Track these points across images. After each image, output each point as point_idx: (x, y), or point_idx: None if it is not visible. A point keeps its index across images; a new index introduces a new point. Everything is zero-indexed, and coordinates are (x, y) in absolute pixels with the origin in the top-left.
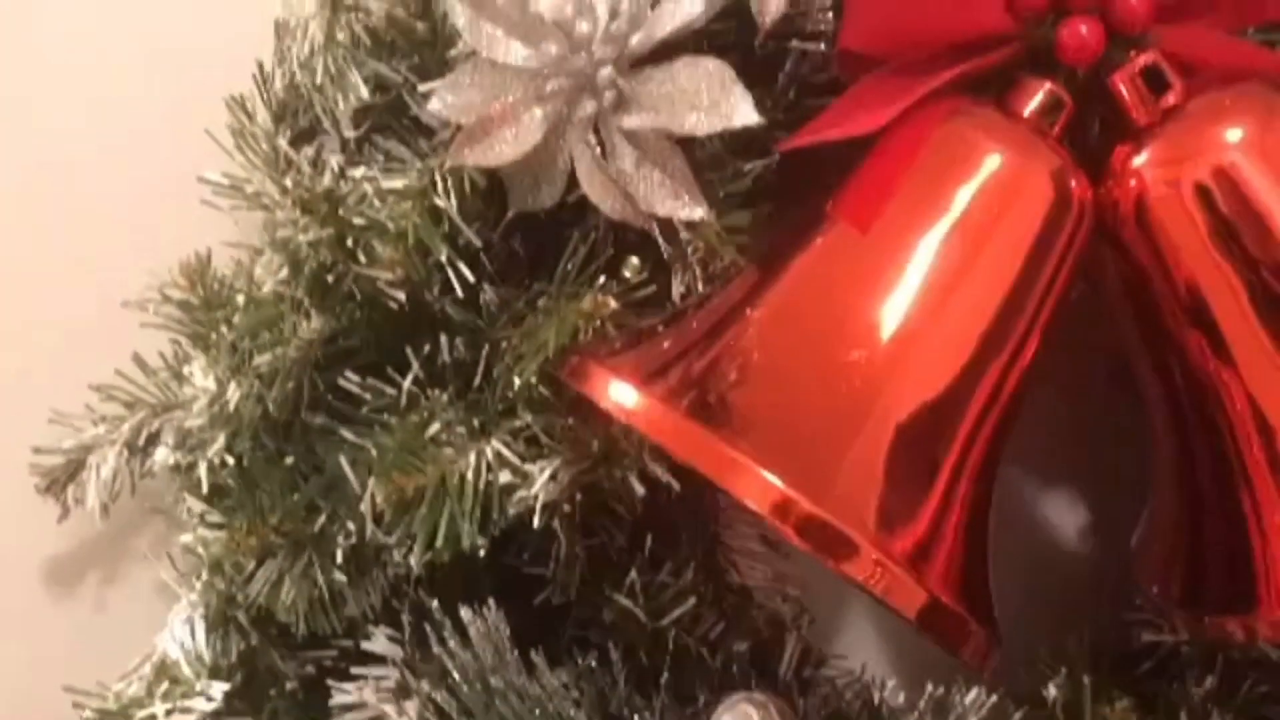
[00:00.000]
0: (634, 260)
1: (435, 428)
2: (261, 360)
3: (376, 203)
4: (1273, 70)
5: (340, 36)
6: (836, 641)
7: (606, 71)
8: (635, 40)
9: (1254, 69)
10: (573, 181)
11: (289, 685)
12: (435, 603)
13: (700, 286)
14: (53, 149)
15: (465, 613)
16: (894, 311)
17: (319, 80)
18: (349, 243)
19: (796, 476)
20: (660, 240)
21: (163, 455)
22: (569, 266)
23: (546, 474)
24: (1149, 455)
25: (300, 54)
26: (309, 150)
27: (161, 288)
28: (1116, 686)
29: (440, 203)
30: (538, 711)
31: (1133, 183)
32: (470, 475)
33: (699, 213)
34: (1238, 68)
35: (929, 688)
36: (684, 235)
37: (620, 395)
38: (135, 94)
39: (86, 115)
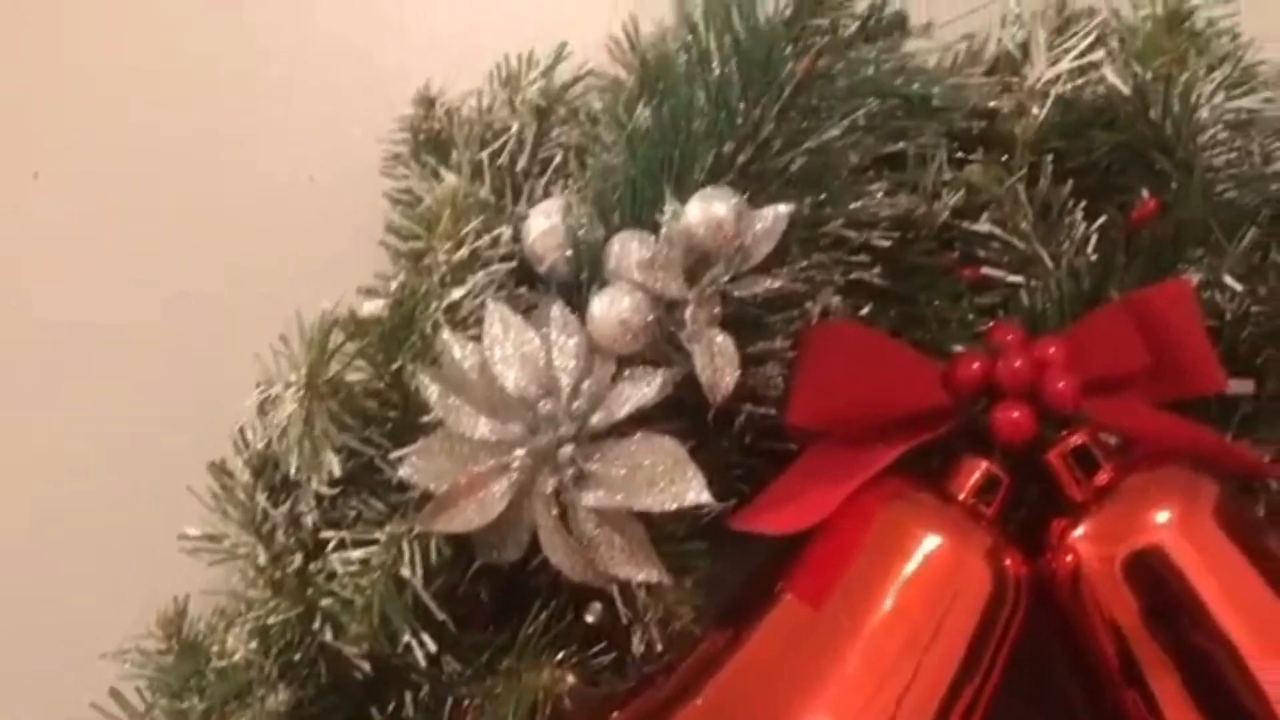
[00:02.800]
0: (597, 605)
1: None
2: None
3: (345, 579)
4: (1194, 441)
5: (317, 416)
6: None
7: (567, 450)
8: (595, 419)
9: (1178, 440)
10: (536, 540)
11: None
12: None
13: (659, 646)
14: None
15: None
16: (841, 704)
17: (295, 463)
18: (316, 620)
19: None
20: (619, 603)
21: None
22: (530, 630)
23: None
24: None
25: (280, 421)
26: (285, 508)
27: (138, 641)
28: None
29: (405, 573)
30: None
31: (1069, 557)
32: None
33: (656, 576)
34: (1164, 439)
35: None
36: (642, 598)
37: None
38: (117, 451)
39: (67, 472)
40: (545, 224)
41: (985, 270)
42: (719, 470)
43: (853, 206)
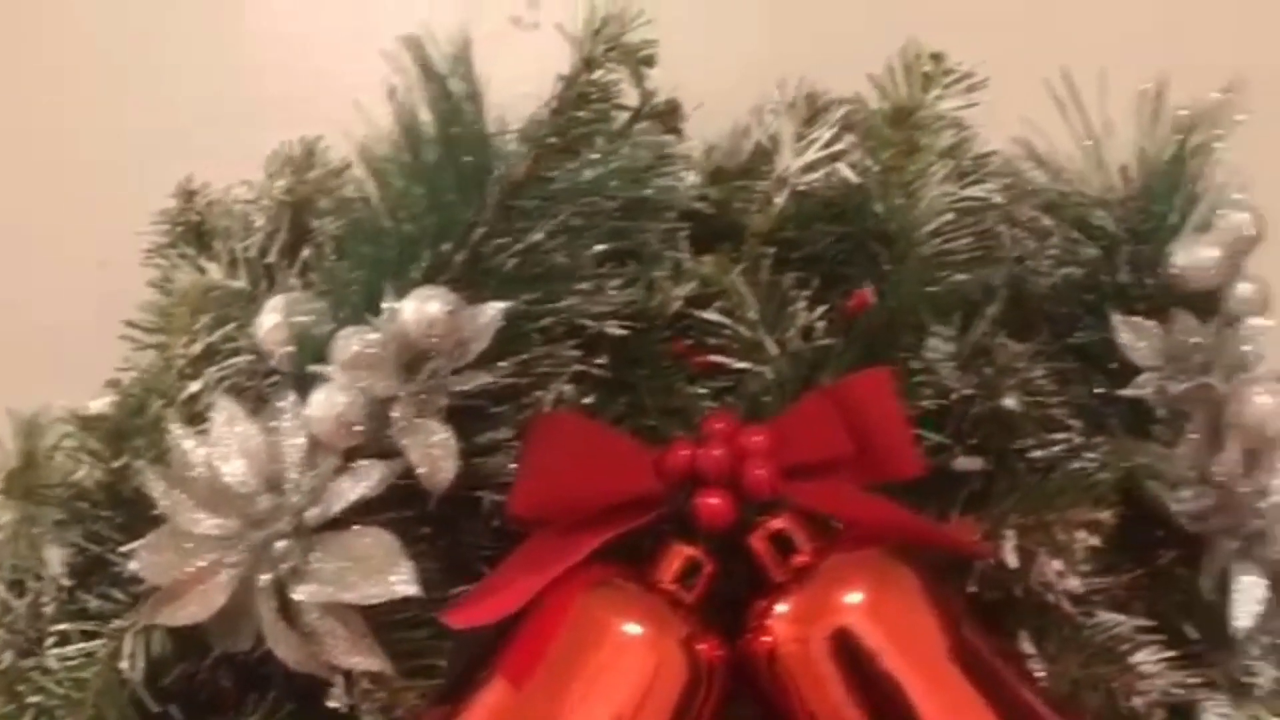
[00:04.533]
0: (337, 690)
1: None
2: None
3: (63, 674)
4: (898, 523)
5: (27, 515)
6: None
7: (282, 545)
8: (311, 515)
9: (881, 522)
10: None
11: None
12: None
13: None
14: None
15: None
16: None
17: (8, 562)
18: (29, 717)
19: None
20: (343, 690)
21: None
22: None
23: None
24: None
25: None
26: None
27: None
28: None
29: (124, 665)
30: None
31: (766, 638)
32: None
33: (377, 665)
34: (868, 521)
35: None
36: (365, 685)
37: None
38: None
39: None
40: (273, 319)
41: (713, 358)
42: (465, 555)
43: (567, 303)
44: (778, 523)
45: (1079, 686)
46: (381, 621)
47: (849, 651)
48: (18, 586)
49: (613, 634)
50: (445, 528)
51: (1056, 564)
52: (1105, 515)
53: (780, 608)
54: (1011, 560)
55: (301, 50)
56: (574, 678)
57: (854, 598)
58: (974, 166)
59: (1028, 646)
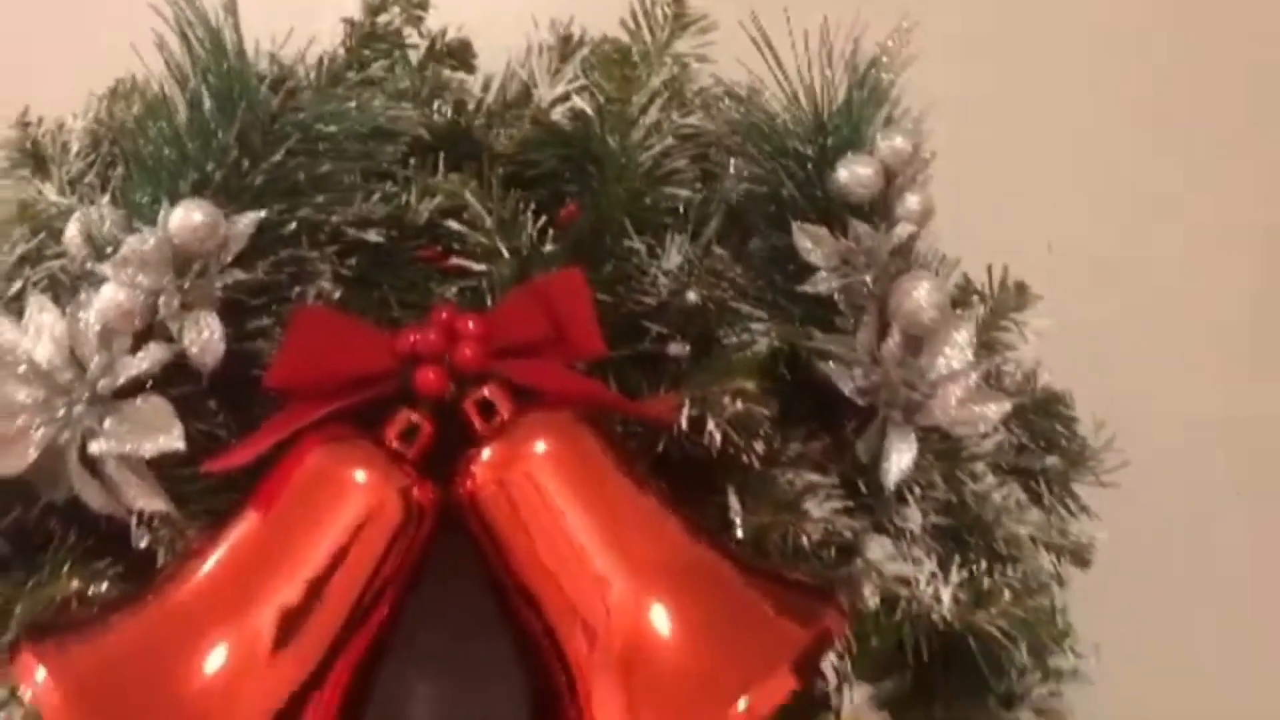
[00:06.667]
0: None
1: None
2: None
3: None
4: (588, 393)
5: None
6: None
7: (80, 409)
8: (103, 386)
9: (575, 391)
10: None
11: None
12: None
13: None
14: None
15: None
16: (268, 601)
17: None
18: None
19: None
20: (134, 528)
21: None
22: (60, 552)
23: None
24: None
25: None
26: None
27: None
28: None
29: None
30: None
31: (469, 482)
32: None
33: (162, 506)
34: (564, 391)
35: None
36: (156, 524)
37: (36, 681)
38: None
39: None
40: (74, 229)
41: (456, 261)
42: (255, 424)
43: (305, 214)
44: (486, 390)
45: (766, 530)
46: (173, 474)
47: (534, 492)
48: None
49: (340, 478)
50: (237, 400)
51: (712, 423)
52: (749, 385)
53: (482, 454)
54: (683, 423)
55: None
56: (306, 512)
57: (540, 447)
58: (694, 98)
59: (732, 499)
